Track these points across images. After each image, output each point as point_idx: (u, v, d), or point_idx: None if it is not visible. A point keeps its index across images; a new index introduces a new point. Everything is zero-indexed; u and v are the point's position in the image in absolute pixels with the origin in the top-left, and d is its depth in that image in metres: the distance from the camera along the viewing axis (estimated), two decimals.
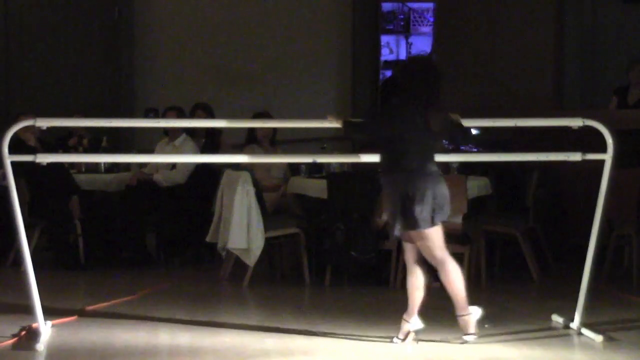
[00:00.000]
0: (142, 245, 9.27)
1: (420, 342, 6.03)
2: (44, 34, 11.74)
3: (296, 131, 9.96)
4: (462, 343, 5.93)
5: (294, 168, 8.85)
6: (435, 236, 5.88)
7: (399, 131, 5.82)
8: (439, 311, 7.03)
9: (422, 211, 5.79)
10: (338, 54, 12.26)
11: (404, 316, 6.03)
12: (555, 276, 8.39)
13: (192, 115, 9.52)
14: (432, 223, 5.83)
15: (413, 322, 6.02)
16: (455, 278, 5.95)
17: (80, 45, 11.77)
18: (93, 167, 9.48)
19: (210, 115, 9.42)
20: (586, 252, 6.22)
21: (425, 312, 7.03)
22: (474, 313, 5.96)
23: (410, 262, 6.05)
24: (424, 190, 5.80)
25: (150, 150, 9.66)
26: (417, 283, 6.03)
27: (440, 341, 6.08)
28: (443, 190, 5.86)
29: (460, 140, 6.32)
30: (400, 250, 7.86)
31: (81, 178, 9.24)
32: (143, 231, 9.29)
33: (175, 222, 9.12)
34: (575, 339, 6.18)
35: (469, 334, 5.94)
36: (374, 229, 7.87)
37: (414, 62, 5.94)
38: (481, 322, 6.00)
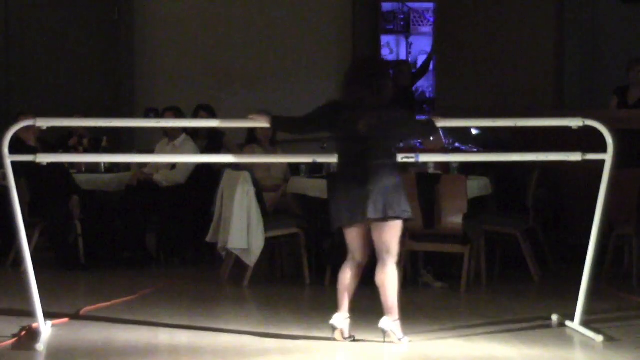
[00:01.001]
0: (142, 245, 9.27)
1: (420, 341, 6.02)
2: (44, 34, 11.73)
3: None
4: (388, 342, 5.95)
5: (294, 168, 8.85)
6: (399, 230, 5.93)
7: (366, 127, 5.83)
8: (441, 311, 7.04)
9: (401, 201, 5.84)
10: (338, 54, 12.25)
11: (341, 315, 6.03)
12: (555, 276, 8.39)
13: (195, 116, 9.54)
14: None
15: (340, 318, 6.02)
16: (395, 279, 5.99)
17: (80, 45, 11.77)
18: (93, 167, 9.49)
19: (213, 116, 9.43)
20: (586, 252, 6.22)
21: (427, 311, 7.04)
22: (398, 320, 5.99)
23: (355, 259, 6.05)
24: (400, 181, 5.91)
25: (150, 150, 9.66)
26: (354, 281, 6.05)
27: (440, 339, 6.08)
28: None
29: (424, 132, 6.38)
30: (400, 250, 7.86)
31: (81, 178, 9.24)
32: (143, 231, 9.29)
33: (175, 222, 9.12)
34: (576, 338, 6.18)
35: (399, 338, 5.93)
36: None
37: (364, 61, 5.99)
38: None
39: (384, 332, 5.95)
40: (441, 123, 6.22)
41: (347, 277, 6.05)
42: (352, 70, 6.00)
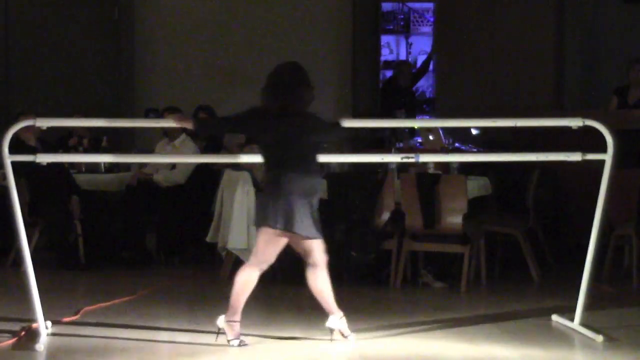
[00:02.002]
0: (142, 245, 9.27)
1: (419, 341, 6.03)
2: (44, 34, 11.73)
3: None
4: (332, 340, 5.97)
5: None
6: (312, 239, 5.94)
7: (295, 133, 5.83)
8: (441, 311, 7.04)
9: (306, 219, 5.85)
10: (338, 54, 12.26)
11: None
12: (555, 276, 8.39)
13: (195, 117, 9.53)
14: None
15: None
16: (326, 281, 6.03)
17: (80, 45, 11.77)
18: (93, 167, 9.49)
19: (213, 117, 9.42)
20: (586, 252, 6.22)
21: (427, 311, 7.04)
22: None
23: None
24: (317, 191, 5.95)
25: (150, 150, 9.66)
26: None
27: (440, 339, 6.08)
28: None
29: (334, 136, 6.34)
30: (400, 250, 7.88)
31: (81, 178, 9.24)
32: (143, 231, 9.29)
33: (175, 222, 9.12)
34: (575, 339, 6.18)
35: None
36: (373, 229, 7.87)
37: (283, 68, 6.00)
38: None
39: (330, 331, 5.99)
40: (347, 123, 6.18)
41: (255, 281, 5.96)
42: (272, 77, 5.96)
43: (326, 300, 6.03)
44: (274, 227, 5.80)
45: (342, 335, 6.02)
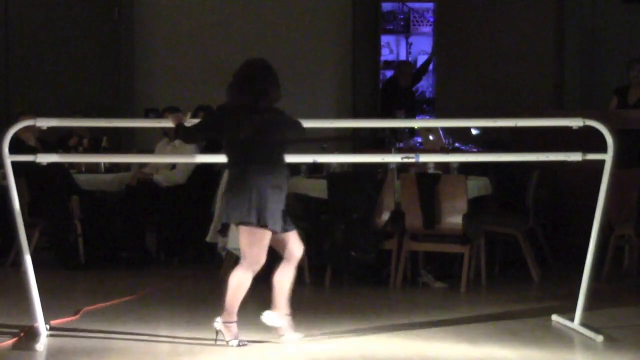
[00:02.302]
0: (142, 245, 9.27)
1: (419, 341, 6.03)
2: (44, 34, 11.73)
3: None
4: (285, 341, 5.95)
5: (294, 168, 8.84)
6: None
7: (266, 129, 5.82)
8: (441, 311, 7.04)
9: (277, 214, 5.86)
10: (338, 54, 12.26)
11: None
12: (555, 276, 8.39)
13: (195, 117, 9.51)
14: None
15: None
16: (292, 278, 6.01)
17: (80, 46, 11.77)
18: (93, 167, 9.48)
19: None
20: (586, 252, 6.22)
21: (427, 311, 7.03)
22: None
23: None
24: (284, 188, 5.93)
25: (150, 150, 9.66)
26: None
27: (440, 339, 6.08)
28: None
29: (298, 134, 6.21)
30: (400, 250, 7.88)
31: (81, 178, 9.24)
32: (143, 231, 9.29)
33: (175, 222, 9.12)
34: (576, 339, 6.18)
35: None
36: (373, 229, 7.87)
37: (249, 65, 5.99)
38: None
39: (276, 328, 5.97)
40: (309, 123, 6.17)
41: (249, 283, 5.95)
42: (241, 73, 5.94)
43: (281, 295, 5.97)
44: (251, 223, 5.77)
45: (279, 333, 5.97)
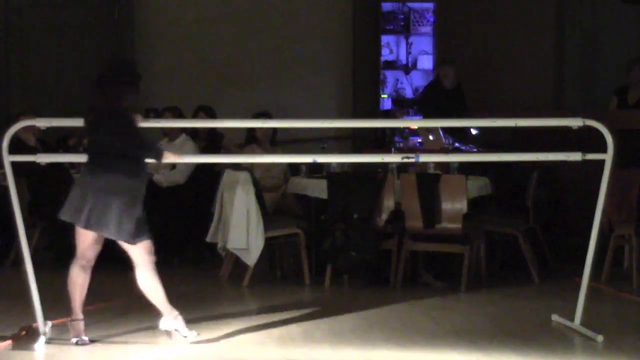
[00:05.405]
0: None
1: (419, 341, 6.03)
2: (44, 34, 11.73)
3: (296, 131, 9.97)
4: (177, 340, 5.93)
5: (294, 168, 8.85)
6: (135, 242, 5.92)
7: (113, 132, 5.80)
8: (441, 311, 7.04)
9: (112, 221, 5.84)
10: (338, 54, 12.26)
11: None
12: (555, 276, 8.39)
13: (195, 117, 9.53)
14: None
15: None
16: (151, 281, 5.94)
17: (80, 45, 11.77)
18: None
19: (212, 117, 9.42)
20: (586, 252, 6.22)
21: (427, 311, 7.03)
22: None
23: (92, 259, 6.00)
24: (129, 194, 5.84)
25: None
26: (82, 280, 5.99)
27: (439, 339, 6.08)
28: None
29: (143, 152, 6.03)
30: (400, 250, 7.88)
31: None
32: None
33: (175, 222, 9.12)
34: (575, 339, 6.18)
35: (185, 335, 5.92)
36: (373, 229, 7.87)
37: (106, 65, 5.98)
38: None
39: (167, 333, 5.95)
40: (169, 159, 6.09)
41: (80, 277, 5.95)
42: (97, 74, 5.94)
43: (157, 300, 5.93)
44: (80, 225, 5.79)
45: (181, 334, 5.94)
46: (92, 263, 5.98)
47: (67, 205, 5.81)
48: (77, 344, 5.88)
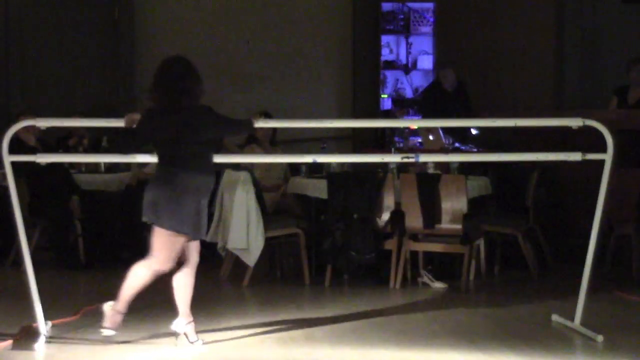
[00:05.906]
0: (142, 245, 9.25)
1: (419, 341, 6.03)
2: (44, 34, 11.73)
3: (296, 131, 9.97)
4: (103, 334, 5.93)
5: (294, 168, 8.85)
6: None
7: (187, 131, 5.77)
8: (441, 311, 7.03)
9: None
10: (338, 54, 12.26)
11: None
12: (555, 276, 8.39)
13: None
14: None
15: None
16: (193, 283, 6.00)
17: (80, 45, 11.76)
18: (93, 167, 9.48)
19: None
20: (586, 252, 6.22)
21: (427, 311, 7.03)
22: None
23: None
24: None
25: (150, 150, 9.64)
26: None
27: (439, 339, 6.08)
28: None
29: (237, 130, 6.31)
30: (400, 250, 7.88)
31: (81, 178, 9.23)
32: (143, 231, 9.27)
33: None
34: (576, 338, 6.18)
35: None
36: (373, 229, 7.87)
37: (169, 63, 5.92)
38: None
39: (175, 335, 5.96)
40: (259, 123, 6.13)
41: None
42: (158, 73, 5.85)
43: (184, 299, 5.96)
44: (165, 228, 5.81)
45: (188, 340, 5.95)
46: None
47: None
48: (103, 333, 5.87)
